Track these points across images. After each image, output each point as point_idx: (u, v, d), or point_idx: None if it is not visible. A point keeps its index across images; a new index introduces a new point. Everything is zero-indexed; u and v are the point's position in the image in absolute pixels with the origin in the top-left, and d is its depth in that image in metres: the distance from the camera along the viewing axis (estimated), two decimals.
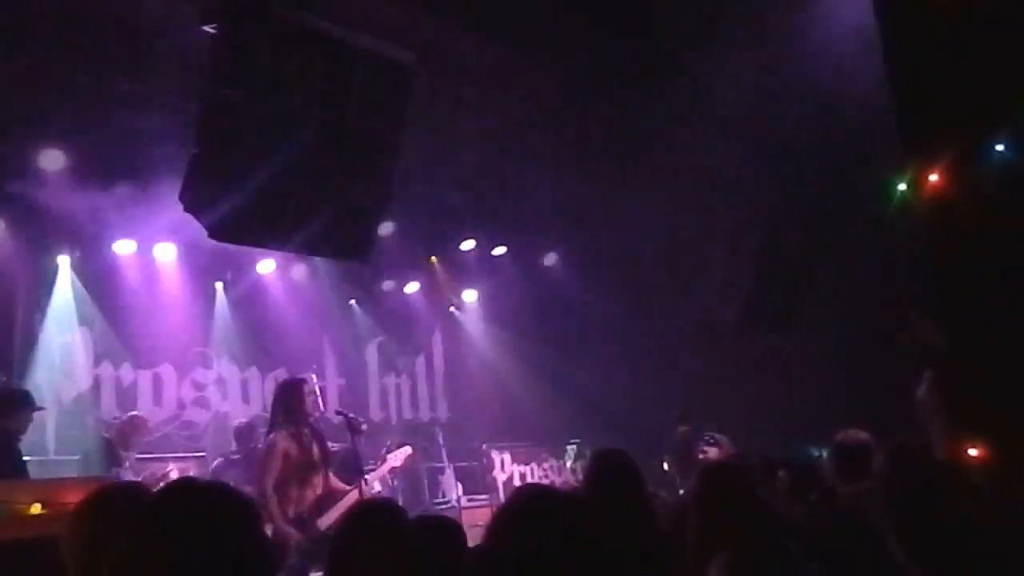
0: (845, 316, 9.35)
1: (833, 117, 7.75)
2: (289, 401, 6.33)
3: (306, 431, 6.24)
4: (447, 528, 3.21)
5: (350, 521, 2.81)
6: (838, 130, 8.13)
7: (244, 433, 8.03)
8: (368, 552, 2.62)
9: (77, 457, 7.63)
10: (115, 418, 8.35)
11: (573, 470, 10.68)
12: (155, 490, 1.89)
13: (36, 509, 4.09)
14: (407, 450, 7.12)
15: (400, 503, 8.18)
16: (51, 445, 7.95)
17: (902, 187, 7.68)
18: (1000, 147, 4.93)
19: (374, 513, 2.82)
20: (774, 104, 7.93)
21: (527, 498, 2.54)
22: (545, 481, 10.73)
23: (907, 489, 2.60)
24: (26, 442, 6.33)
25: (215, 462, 8.12)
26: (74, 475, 7.01)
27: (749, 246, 10.15)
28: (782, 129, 8.41)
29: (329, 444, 6.61)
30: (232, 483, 7.00)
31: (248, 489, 6.93)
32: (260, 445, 6.72)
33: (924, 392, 4.22)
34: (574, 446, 10.81)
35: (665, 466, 8.60)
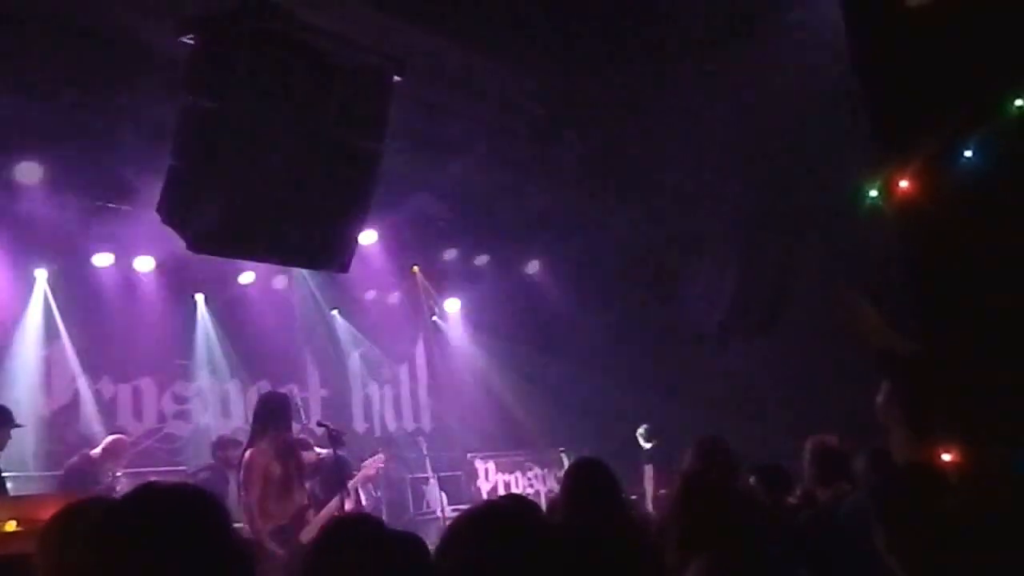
0: (827, 321, 9.40)
1: (808, 124, 7.81)
2: (270, 415, 6.29)
3: (287, 445, 6.21)
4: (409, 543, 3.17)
5: (325, 538, 2.76)
6: (813, 137, 8.19)
7: (221, 446, 7.92)
8: (344, 570, 2.58)
9: (57, 473, 7.53)
10: (94, 432, 8.29)
11: (558, 479, 10.67)
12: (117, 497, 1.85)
13: (11, 527, 4.03)
14: (380, 458, 7.11)
15: (384, 514, 8.20)
16: (30, 461, 7.85)
17: (873, 193, 7.75)
18: (968, 153, 4.99)
19: (349, 529, 2.78)
20: (751, 113, 7.99)
21: (471, 514, 2.47)
22: (530, 490, 10.72)
23: (891, 490, 2.61)
24: (4, 458, 6.26)
25: (191, 474, 8.02)
26: (53, 492, 6.91)
27: (731, 253, 10.21)
28: (760, 137, 8.47)
29: (317, 451, 6.60)
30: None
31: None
32: (238, 458, 6.67)
33: (883, 400, 4.22)
34: (563, 454, 10.81)
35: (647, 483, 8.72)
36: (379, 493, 9.05)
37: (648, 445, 9.06)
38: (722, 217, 10.10)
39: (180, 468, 8.31)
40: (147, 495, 1.71)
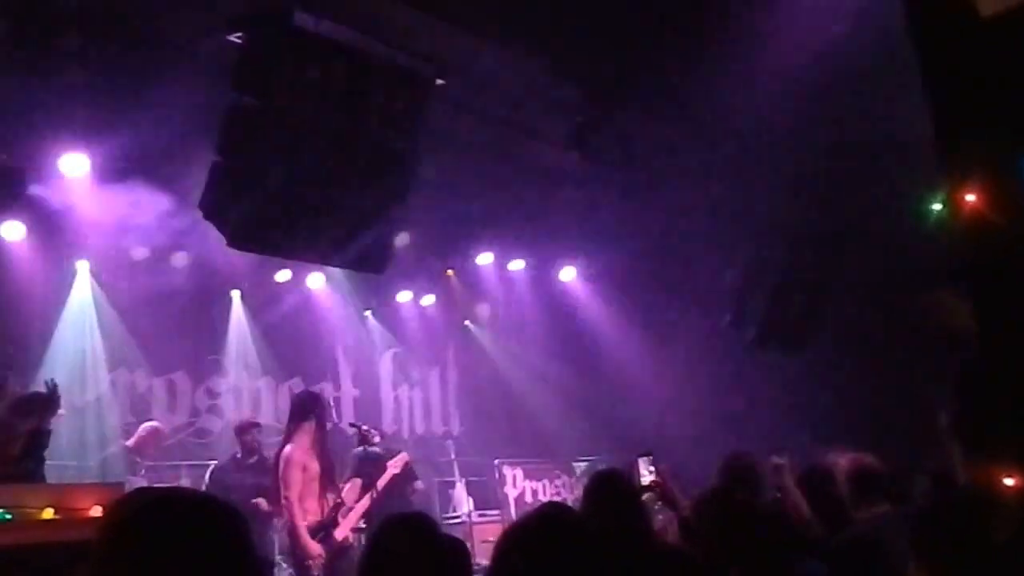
0: (861, 337, 9.27)
1: (855, 136, 7.71)
2: (305, 413, 6.36)
3: (321, 443, 6.29)
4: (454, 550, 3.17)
5: (381, 535, 2.75)
6: (858, 150, 8.08)
7: (242, 429, 7.93)
8: (401, 568, 2.57)
9: (91, 463, 7.63)
10: (127, 423, 8.38)
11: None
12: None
13: (48, 514, 4.07)
14: (404, 456, 7.18)
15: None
16: (65, 450, 7.95)
17: (937, 206, 7.60)
18: None
19: (404, 526, 2.77)
20: (793, 122, 7.89)
21: (538, 517, 2.48)
22: (557, 498, 10.66)
23: (934, 520, 2.50)
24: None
25: (213, 465, 8.03)
26: (88, 481, 7.00)
27: (765, 266, 10.10)
28: (801, 148, 8.36)
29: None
30: (232, 485, 7.01)
31: (249, 485, 6.95)
32: (272, 454, 6.72)
33: (947, 420, 4.12)
34: (583, 464, 10.72)
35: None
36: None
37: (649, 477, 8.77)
38: (760, 229, 9.99)
39: (212, 462, 8.34)
40: (173, 503, 1.69)
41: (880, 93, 6.78)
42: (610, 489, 3.61)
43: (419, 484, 8.28)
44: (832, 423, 8.38)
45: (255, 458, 7.61)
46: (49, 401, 6.20)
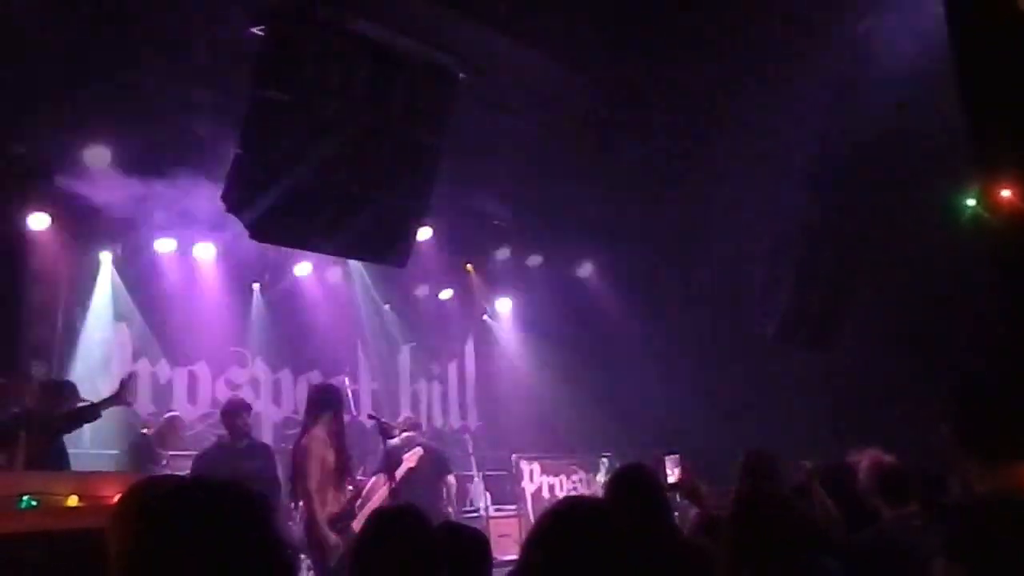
0: (886, 333, 9.20)
1: (881, 131, 7.64)
2: (322, 404, 6.39)
3: (339, 435, 6.30)
4: (472, 539, 3.17)
5: (368, 530, 2.76)
6: (882, 146, 8.01)
7: (235, 411, 7.04)
8: (387, 562, 2.57)
9: (112, 451, 7.70)
10: (150, 414, 8.45)
11: (602, 484, 10.59)
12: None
13: (73, 501, 4.12)
14: (419, 450, 7.17)
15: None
16: (87, 438, 8.03)
17: (971, 202, 7.51)
18: None
19: (391, 521, 2.78)
20: (818, 123, 7.83)
21: (567, 507, 2.48)
22: (574, 494, 10.66)
23: (968, 525, 2.43)
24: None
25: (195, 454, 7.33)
26: (111, 469, 7.08)
27: (788, 261, 10.04)
28: (826, 147, 8.31)
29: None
30: (227, 474, 6.93)
31: (246, 472, 6.90)
32: (293, 445, 6.75)
33: (950, 428, 4.04)
34: (606, 459, 10.71)
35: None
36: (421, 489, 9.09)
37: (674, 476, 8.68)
38: (781, 226, 9.93)
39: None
40: (190, 491, 1.68)
41: (909, 88, 6.72)
42: (636, 484, 3.60)
43: (451, 478, 8.27)
44: (856, 421, 8.33)
45: (245, 442, 6.91)
46: (71, 388, 6.32)
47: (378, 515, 2.90)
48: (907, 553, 3.47)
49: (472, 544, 3.11)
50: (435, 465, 7.73)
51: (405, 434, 7.13)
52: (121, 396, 6.22)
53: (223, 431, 7.05)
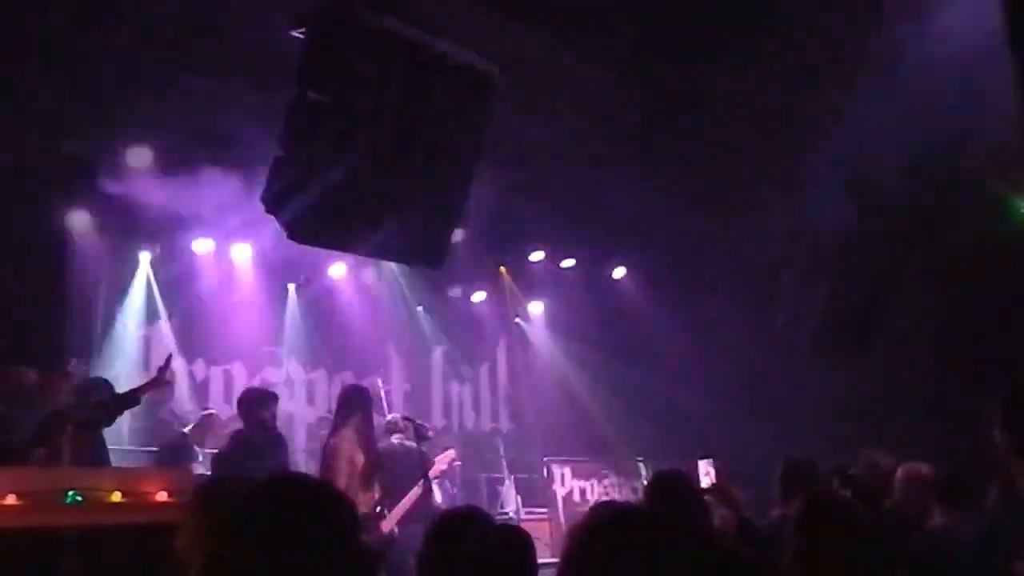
0: (928, 340, 9.06)
1: (921, 138, 7.51)
2: (351, 406, 6.42)
3: (368, 437, 6.33)
4: (520, 541, 3.15)
5: (436, 532, 2.76)
6: (925, 151, 7.89)
7: (263, 402, 6.58)
8: (457, 564, 2.57)
9: (151, 448, 7.80)
10: (186, 412, 8.54)
11: (634, 489, 10.52)
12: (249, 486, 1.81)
13: (116, 497, 4.17)
14: (450, 453, 7.22)
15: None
16: (125, 435, 8.14)
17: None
18: None
19: (459, 522, 2.77)
20: (860, 128, 7.72)
21: (608, 514, 2.45)
22: (605, 497, 10.60)
23: None
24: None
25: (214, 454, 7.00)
26: (150, 466, 7.17)
27: (823, 268, 9.91)
28: (865, 153, 8.19)
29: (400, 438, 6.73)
30: (255, 472, 6.85)
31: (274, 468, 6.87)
32: (322, 445, 6.78)
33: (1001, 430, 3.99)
34: (640, 464, 10.65)
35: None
36: (455, 489, 9.11)
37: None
38: (817, 232, 9.81)
39: None
40: (282, 490, 1.69)
41: (958, 91, 6.61)
42: (677, 489, 3.58)
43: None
44: (894, 427, 8.21)
45: (271, 435, 6.44)
46: (109, 385, 6.41)
47: (447, 517, 2.88)
48: (979, 555, 3.44)
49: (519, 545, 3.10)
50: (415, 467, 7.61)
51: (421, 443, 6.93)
52: (159, 379, 6.30)
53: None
